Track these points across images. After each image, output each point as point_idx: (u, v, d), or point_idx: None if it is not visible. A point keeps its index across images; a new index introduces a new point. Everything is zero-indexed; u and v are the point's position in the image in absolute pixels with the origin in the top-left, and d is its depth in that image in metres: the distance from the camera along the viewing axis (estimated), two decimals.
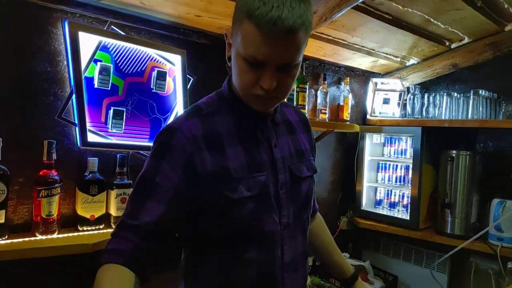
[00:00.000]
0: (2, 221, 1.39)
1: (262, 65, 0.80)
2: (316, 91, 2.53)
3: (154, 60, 1.74)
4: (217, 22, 1.81)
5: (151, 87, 1.74)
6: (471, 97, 2.32)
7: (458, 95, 2.42)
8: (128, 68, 1.67)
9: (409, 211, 2.45)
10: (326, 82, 2.53)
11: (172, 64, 1.80)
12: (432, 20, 2.10)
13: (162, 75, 1.75)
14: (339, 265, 1.26)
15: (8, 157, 1.41)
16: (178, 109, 1.84)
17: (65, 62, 1.54)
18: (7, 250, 1.33)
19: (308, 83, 2.37)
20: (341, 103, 2.65)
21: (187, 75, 1.86)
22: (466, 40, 2.43)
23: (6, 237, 1.40)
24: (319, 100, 2.52)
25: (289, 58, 0.81)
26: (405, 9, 1.93)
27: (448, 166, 2.33)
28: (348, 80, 2.67)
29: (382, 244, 2.74)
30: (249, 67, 0.81)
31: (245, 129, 0.93)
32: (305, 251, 1.05)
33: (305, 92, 2.32)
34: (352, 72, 2.77)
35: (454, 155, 2.32)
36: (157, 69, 1.75)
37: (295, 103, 2.23)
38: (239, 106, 0.93)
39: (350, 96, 2.68)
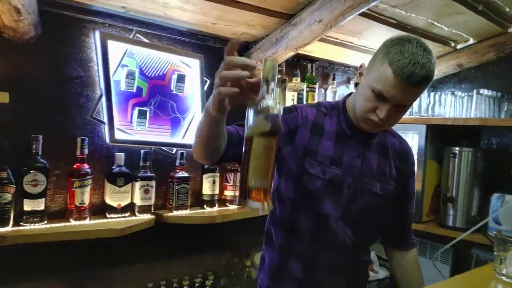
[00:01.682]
0: (42, 208, 1.59)
1: (385, 100, 1.01)
2: (325, 90, 2.66)
3: (174, 64, 1.91)
4: (232, 29, 1.97)
5: (172, 89, 1.91)
6: (474, 96, 2.41)
7: (463, 94, 2.51)
8: (151, 72, 1.85)
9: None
10: (335, 81, 2.66)
11: (190, 68, 1.97)
12: (435, 23, 2.20)
13: (181, 78, 1.92)
14: None
15: (47, 152, 1.60)
16: (196, 108, 2.01)
17: (96, 68, 1.72)
18: (46, 233, 1.53)
19: (317, 83, 2.50)
20: None
21: (204, 78, 2.03)
22: (471, 41, 2.51)
23: (45, 222, 1.59)
24: (328, 99, 2.65)
25: (406, 102, 1.04)
26: (408, 14, 2.04)
27: (451, 162, 2.44)
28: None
29: None
30: (374, 98, 1.03)
31: (340, 133, 1.15)
32: (353, 247, 1.21)
33: (315, 91, 2.45)
34: None
35: (457, 151, 2.42)
36: (177, 72, 1.92)
37: (304, 102, 2.37)
38: (345, 117, 1.17)
39: None
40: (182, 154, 1.95)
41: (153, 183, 1.85)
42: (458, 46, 2.58)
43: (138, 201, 1.82)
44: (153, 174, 1.86)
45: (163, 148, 1.94)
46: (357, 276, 1.32)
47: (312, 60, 2.51)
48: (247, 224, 2.16)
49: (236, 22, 1.88)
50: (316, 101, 2.46)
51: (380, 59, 1.01)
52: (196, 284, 2.11)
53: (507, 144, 2.58)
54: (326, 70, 2.68)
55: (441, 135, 2.58)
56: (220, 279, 2.26)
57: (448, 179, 2.45)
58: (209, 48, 2.07)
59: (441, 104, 2.64)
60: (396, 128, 2.69)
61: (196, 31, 1.99)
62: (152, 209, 1.86)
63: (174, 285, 2.04)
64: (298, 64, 2.44)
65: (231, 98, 0.80)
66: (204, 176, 2.06)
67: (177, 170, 1.95)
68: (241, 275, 2.33)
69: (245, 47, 2.16)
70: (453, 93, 2.55)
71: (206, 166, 2.07)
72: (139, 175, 1.82)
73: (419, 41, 1.02)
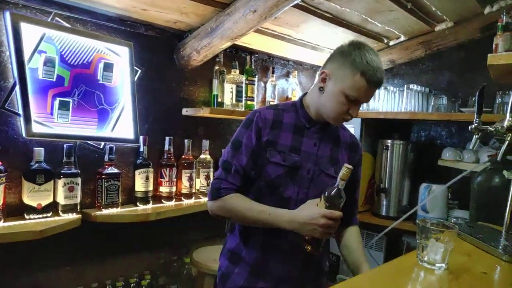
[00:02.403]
0: None
1: (357, 102, 1.23)
2: (265, 84, 2.65)
3: (101, 52, 1.78)
4: (164, 16, 1.87)
5: (98, 78, 1.78)
6: (405, 91, 2.52)
7: (394, 89, 2.62)
8: (74, 60, 1.70)
9: None
10: (275, 75, 2.66)
11: (119, 56, 1.84)
12: (369, 19, 2.26)
13: (109, 67, 1.79)
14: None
15: None
16: (126, 100, 1.89)
17: (8, 53, 1.55)
18: None
19: (257, 76, 2.48)
20: (290, 96, 2.78)
21: (135, 67, 1.91)
22: (402, 38, 2.63)
23: None
24: (268, 93, 2.64)
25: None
26: (343, 8, 2.07)
27: (383, 154, 2.53)
28: (296, 73, 2.81)
29: None
30: (347, 102, 1.22)
31: (299, 126, 1.32)
32: None
33: (254, 84, 2.42)
34: (300, 65, 2.91)
35: (389, 144, 2.53)
36: (103, 60, 1.78)
37: (243, 95, 2.33)
38: (302, 112, 1.34)
39: (298, 88, 2.82)
40: (111, 148, 1.82)
41: (79, 180, 1.71)
42: (391, 43, 2.68)
43: (61, 200, 1.67)
44: (78, 171, 1.72)
45: (89, 142, 1.80)
46: (312, 268, 1.36)
47: (251, 52, 2.48)
48: (186, 220, 2.10)
49: (168, 9, 1.79)
50: (255, 94, 2.44)
51: (350, 69, 1.20)
52: (132, 285, 2.00)
53: (434, 137, 2.74)
54: (266, 63, 2.66)
55: (375, 129, 2.68)
56: (158, 278, 2.18)
57: (381, 170, 2.55)
58: (140, 35, 1.95)
59: (375, 99, 2.73)
60: None
61: (126, 17, 1.86)
62: (79, 208, 1.73)
63: (107, 287, 1.93)
64: (237, 56, 2.40)
65: None
66: (137, 172, 1.95)
67: (106, 166, 1.82)
68: (181, 272, 2.26)
69: (180, 37, 2.08)
70: (386, 88, 2.65)
71: (138, 161, 1.97)
72: (62, 171, 1.68)
73: (370, 47, 1.23)
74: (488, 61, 1.61)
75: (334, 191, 1.14)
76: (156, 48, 2.03)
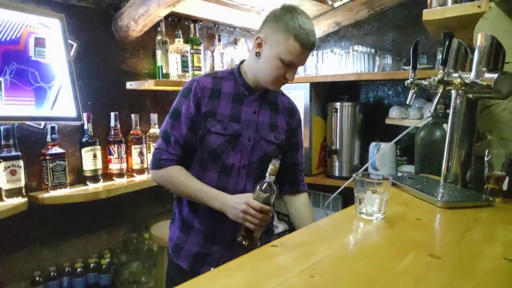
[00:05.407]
0: None
1: (293, 65, 1.25)
2: (212, 52, 2.60)
3: (30, 26, 1.66)
4: None
5: (30, 54, 1.67)
6: (351, 53, 2.57)
7: (341, 51, 2.66)
8: (1, 35, 1.58)
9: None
10: (221, 43, 2.61)
11: (50, 30, 1.73)
12: None
13: (40, 42, 1.69)
14: None
15: None
16: (64, 76, 1.79)
17: None
18: None
19: (203, 45, 2.42)
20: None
21: (70, 41, 1.81)
22: None
23: None
24: (216, 62, 2.60)
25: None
26: None
27: (333, 117, 2.60)
28: (244, 40, 2.77)
29: None
30: (283, 66, 1.24)
31: (238, 94, 1.33)
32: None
33: (200, 54, 2.37)
34: (247, 32, 2.87)
35: (338, 106, 2.59)
36: (34, 35, 1.67)
37: (190, 65, 2.28)
38: (241, 80, 1.34)
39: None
40: (52, 128, 1.74)
41: (21, 162, 1.64)
42: (335, 5, 2.69)
43: (4, 185, 1.60)
44: (19, 153, 1.64)
45: (28, 122, 1.71)
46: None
47: (195, 20, 2.41)
48: (142, 196, 2.08)
49: None
50: (203, 64, 2.39)
51: (283, 33, 1.21)
52: (91, 265, 1.98)
53: (382, 97, 2.84)
54: (211, 31, 2.60)
55: (325, 92, 2.73)
56: (119, 256, 2.17)
57: (332, 133, 2.63)
58: (72, 6, 1.83)
59: (324, 62, 2.76)
60: (284, 87, 2.74)
61: None
62: (24, 191, 1.66)
63: (66, 269, 1.90)
64: (180, 25, 2.32)
65: None
66: (83, 150, 1.89)
67: (49, 146, 1.75)
68: (141, 248, 2.26)
69: (116, 6, 1.98)
70: (332, 51, 2.68)
71: (84, 140, 1.91)
72: (1, 155, 1.60)
73: (301, 10, 1.26)
74: (424, 17, 1.65)
75: (265, 185, 1.16)
76: (91, 19, 1.93)
